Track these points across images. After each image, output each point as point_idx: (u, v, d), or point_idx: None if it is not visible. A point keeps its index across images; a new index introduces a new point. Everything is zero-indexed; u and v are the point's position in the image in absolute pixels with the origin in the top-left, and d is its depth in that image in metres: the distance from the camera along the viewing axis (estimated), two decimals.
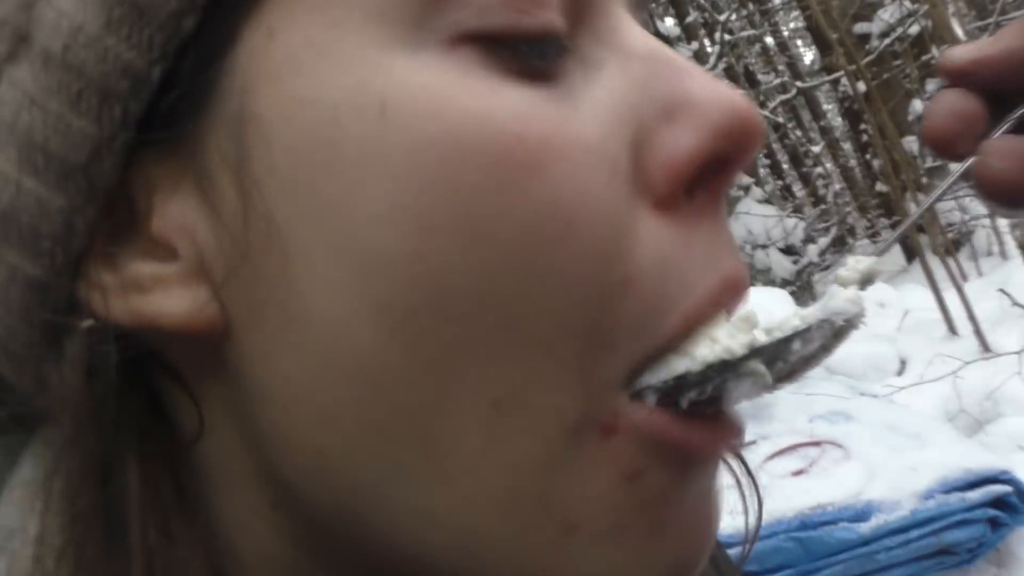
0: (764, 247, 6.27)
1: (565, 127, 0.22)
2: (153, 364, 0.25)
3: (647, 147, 0.23)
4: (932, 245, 4.37)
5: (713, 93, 0.24)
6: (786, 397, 2.76)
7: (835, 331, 0.27)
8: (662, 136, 0.23)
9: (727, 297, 0.24)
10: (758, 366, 0.25)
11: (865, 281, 0.29)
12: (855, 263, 0.29)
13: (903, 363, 3.12)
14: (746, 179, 6.83)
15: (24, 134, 0.23)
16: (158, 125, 0.24)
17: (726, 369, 0.24)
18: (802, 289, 6.19)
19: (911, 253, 6.49)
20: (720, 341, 0.24)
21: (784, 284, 6.01)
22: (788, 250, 6.41)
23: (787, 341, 0.25)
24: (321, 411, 0.23)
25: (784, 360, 0.26)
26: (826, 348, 0.27)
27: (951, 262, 3.89)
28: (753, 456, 2.45)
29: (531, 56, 0.22)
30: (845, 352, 3.16)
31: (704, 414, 0.24)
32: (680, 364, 0.24)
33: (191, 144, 0.23)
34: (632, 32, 0.25)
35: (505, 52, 0.22)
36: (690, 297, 0.23)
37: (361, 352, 0.22)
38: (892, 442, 2.26)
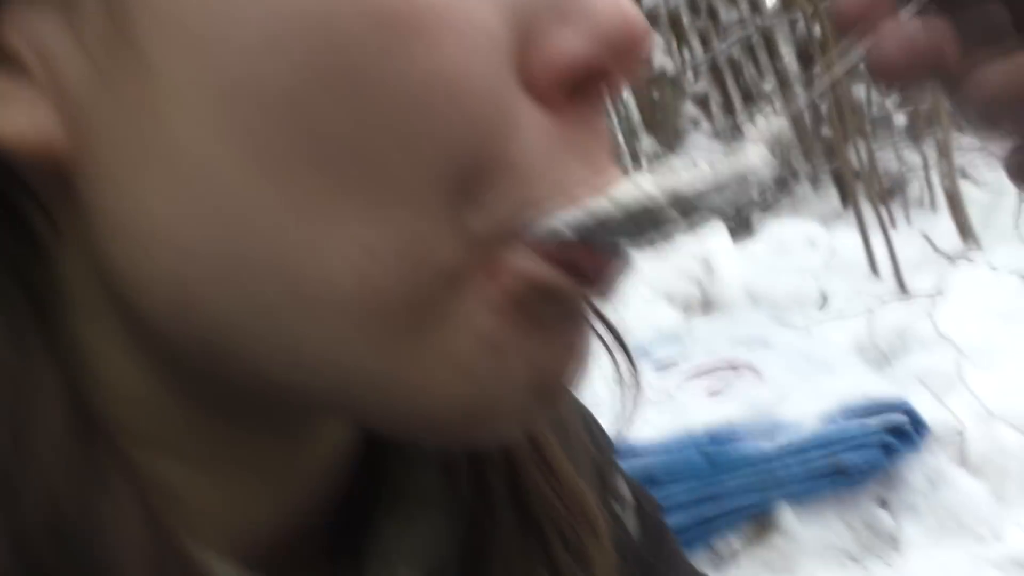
0: None
1: (459, 2, 0.22)
2: (5, 178, 0.24)
3: (534, 42, 0.23)
4: (867, 192, 4.49)
5: (612, 4, 0.24)
6: (709, 324, 2.86)
7: (743, 189, 0.26)
8: (552, 34, 0.23)
9: (588, 172, 0.25)
10: (676, 215, 0.25)
11: (775, 144, 0.29)
12: (766, 124, 0.29)
13: (825, 298, 3.24)
14: (697, 114, 6.86)
15: None
16: None
17: (644, 216, 0.24)
18: (741, 225, 6.31)
19: (846, 197, 6.65)
20: (643, 187, 0.24)
21: (724, 219, 6.12)
22: None
23: (706, 193, 0.25)
24: (183, 245, 0.22)
25: (698, 211, 0.25)
26: (729, 205, 0.27)
27: (882, 209, 4.01)
28: (671, 377, 2.54)
29: None
30: (770, 283, 3.26)
31: (593, 248, 0.24)
32: (599, 206, 0.23)
33: None
34: None
35: None
36: (576, 180, 0.24)
37: (228, 191, 0.22)
38: (804, 369, 2.37)
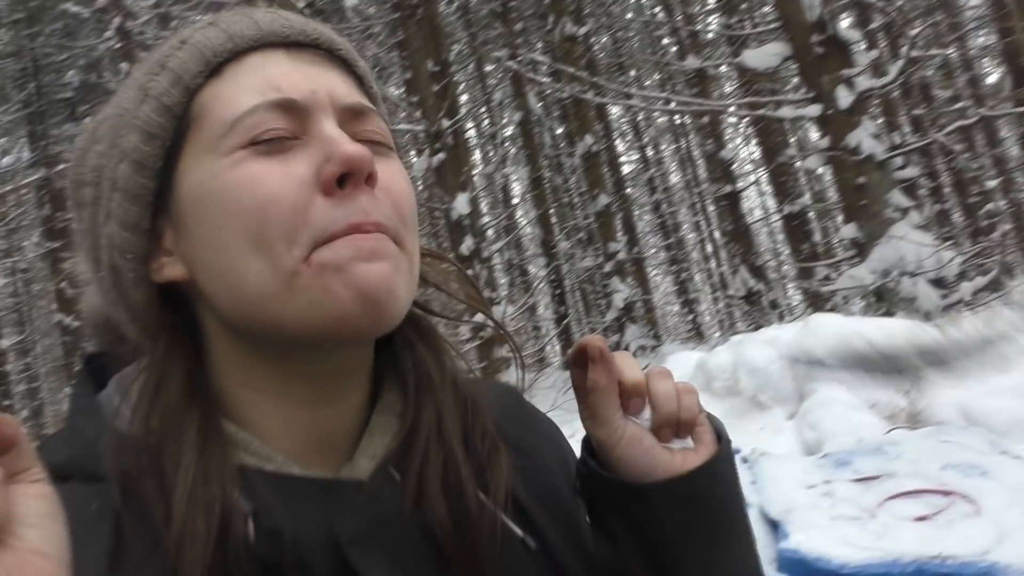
0: (912, 275, 6.01)
1: (279, 169, 0.52)
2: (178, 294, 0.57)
3: (320, 173, 0.52)
4: None
5: (340, 148, 0.52)
6: (918, 440, 2.70)
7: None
8: (324, 167, 0.52)
9: (355, 226, 0.52)
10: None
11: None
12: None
13: None
14: (904, 202, 6.52)
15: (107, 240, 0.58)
16: (160, 201, 0.56)
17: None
18: (946, 325, 5.90)
19: None
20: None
21: (927, 317, 5.76)
22: (938, 282, 6.11)
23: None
24: (223, 287, 0.53)
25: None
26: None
27: None
28: (877, 491, 2.44)
29: (272, 145, 0.53)
30: (987, 404, 3.04)
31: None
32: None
33: (168, 208, 0.55)
34: (327, 128, 0.54)
35: (261, 145, 0.53)
36: (343, 218, 0.52)
37: (219, 264, 0.53)
38: None
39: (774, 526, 2.30)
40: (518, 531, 0.58)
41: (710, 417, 0.62)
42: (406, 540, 0.55)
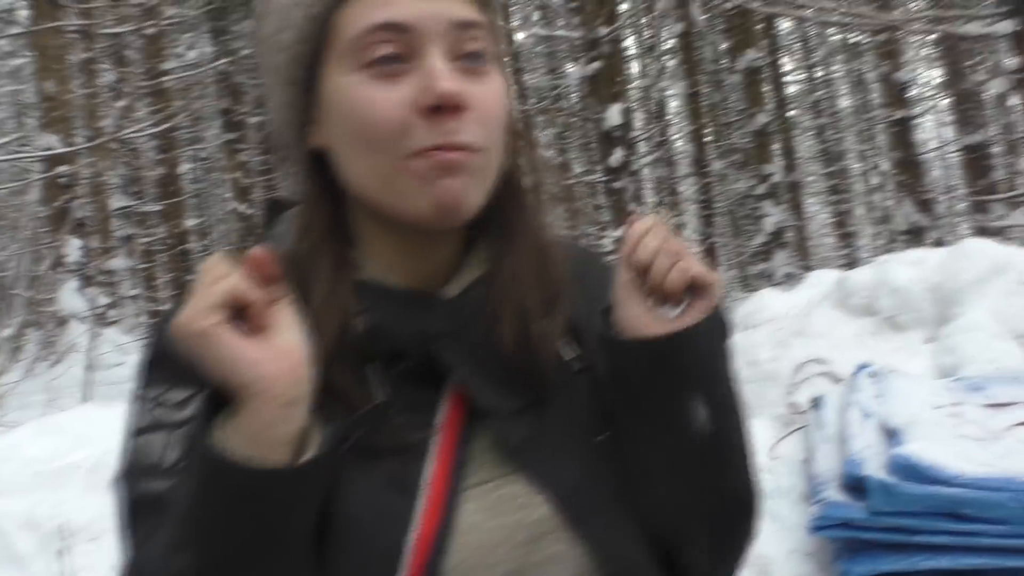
0: None
1: (392, 93, 0.65)
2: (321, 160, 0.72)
3: (418, 101, 0.64)
4: None
5: (436, 83, 0.64)
6: None
7: None
8: (421, 97, 0.64)
9: (440, 145, 0.65)
10: None
11: None
12: None
13: None
14: None
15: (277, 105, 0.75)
16: (309, 86, 0.70)
17: None
18: None
19: None
20: None
21: None
22: None
23: None
24: (350, 171, 0.69)
25: None
26: None
27: None
28: (1007, 416, 2.41)
29: (384, 68, 0.65)
30: None
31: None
32: None
33: (315, 92, 0.69)
34: (431, 58, 0.65)
35: (375, 67, 0.65)
36: (434, 139, 0.65)
37: (343, 155, 0.69)
38: None
39: (891, 435, 2.33)
40: (570, 354, 0.72)
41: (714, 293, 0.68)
42: (480, 344, 0.69)
